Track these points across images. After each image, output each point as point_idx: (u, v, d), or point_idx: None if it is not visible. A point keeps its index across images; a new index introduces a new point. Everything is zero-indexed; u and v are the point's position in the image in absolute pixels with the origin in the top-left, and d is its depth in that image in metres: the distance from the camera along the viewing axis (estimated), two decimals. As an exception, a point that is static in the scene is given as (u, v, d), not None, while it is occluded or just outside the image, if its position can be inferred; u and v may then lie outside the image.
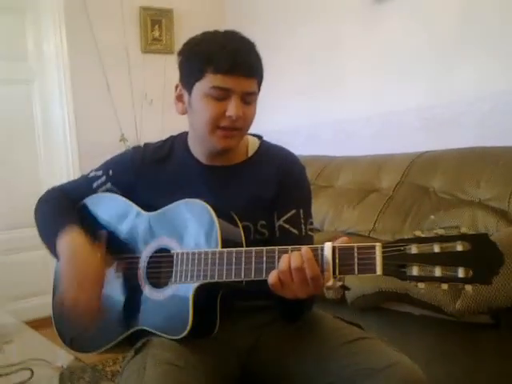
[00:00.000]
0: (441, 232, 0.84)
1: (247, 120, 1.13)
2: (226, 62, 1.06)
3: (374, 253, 0.89)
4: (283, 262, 0.95)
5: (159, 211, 1.16)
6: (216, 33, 1.13)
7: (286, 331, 1.15)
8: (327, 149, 2.98)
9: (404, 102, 2.72)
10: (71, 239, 1.13)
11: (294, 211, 1.16)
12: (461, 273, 0.82)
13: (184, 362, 0.99)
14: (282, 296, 0.98)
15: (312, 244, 1.13)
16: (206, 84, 1.09)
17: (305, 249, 0.95)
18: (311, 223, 1.19)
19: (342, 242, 0.95)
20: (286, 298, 0.98)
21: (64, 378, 1.43)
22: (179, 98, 1.18)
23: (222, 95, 1.09)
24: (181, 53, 1.15)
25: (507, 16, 2.31)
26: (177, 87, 1.18)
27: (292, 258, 0.94)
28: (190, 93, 1.13)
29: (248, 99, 1.11)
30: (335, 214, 2.54)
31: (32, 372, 1.36)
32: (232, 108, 1.08)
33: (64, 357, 1.48)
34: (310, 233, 1.18)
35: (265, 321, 1.18)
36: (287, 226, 1.16)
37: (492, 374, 1.56)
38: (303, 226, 1.16)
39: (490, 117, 2.36)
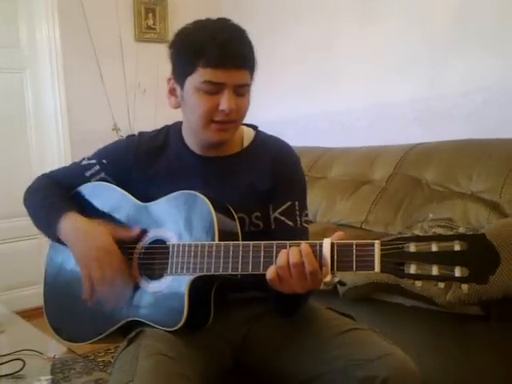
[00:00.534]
0: (439, 231, 0.85)
1: (241, 112, 1.12)
2: (215, 55, 1.04)
3: (373, 250, 0.89)
4: (281, 258, 0.95)
5: (155, 202, 1.15)
6: (206, 23, 1.11)
7: (278, 322, 1.15)
8: (321, 140, 2.98)
9: (398, 94, 2.72)
10: (75, 222, 1.14)
11: (289, 203, 1.16)
12: (458, 272, 0.83)
13: (177, 353, 0.99)
14: (279, 291, 0.98)
15: (307, 236, 1.15)
16: (197, 78, 1.08)
17: (304, 244, 0.95)
18: (306, 215, 1.19)
19: (337, 236, 0.95)
20: (283, 293, 0.98)
21: (55, 368, 1.42)
22: (172, 92, 1.17)
23: (214, 89, 1.07)
24: (171, 45, 1.14)
25: (502, 10, 2.31)
26: (169, 81, 1.17)
27: (291, 254, 0.94)
28: (182, 87, 1.12)
29: (241, 91, 1.10)
30: (328, 205, 2.54)
31: (24, 363, 1.36)
32: (225, 102, 1.07)
33: (56, 347, 1.48)
34: (304, 225, 1.18)
35: (258, 312, 1.18)
36: (283, 218, 1.16)
37: (482, 364, 1.58)
38: (298, 218, 1.16)
39: (483, 109, 2.36)
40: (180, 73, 1.12)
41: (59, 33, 3.14)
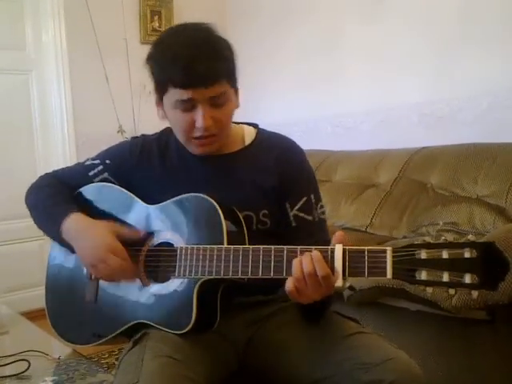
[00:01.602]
0: (450, 239, 0.86)
1: (221, 124, 1.11)
2: (179, 77, 1.04)
3: (385, 257, 0.90)
4: (296, 269, 0.95)
5: (162, 204, 1.15)
6: (173, 37, 1.10)
7: (283, 325, 1.15)
8: (325, 143, 2.98)
9: (403, 97, 2.72)
10: (78, 222, 1.14)
11: (305, 198, 1.17)
12: (468, 279, 0.85)
13: (182, 355, 0.99)
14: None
15: (325, 227, 1.19)
16: (170, 97, 1.09)
17: (314, 251, 0.95)
18: (322, 206, 1.20)
19: (339, 237, 0.96)
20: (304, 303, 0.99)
21: (59, 369, 1.42)
22: (158, 104, 1.17)
23: (187, 106, 1.07)
24: (146, 62, 1.14)
25: (507, 13, 2.30)
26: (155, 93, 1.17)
27: (304, 263, 0.94)
28: (162, 103, 1.14)
29: (217, 101, 1.08)
30: (333, 208, 2.53)
31: (29, 363, 1.36)
32: (199, 119, 1.07)
33: (61, 348, 1.47)
34: (321, 216, 1.19)
35: (263, 315, 1.18)
36: (302, 214, 1.17)
37: (487, 368, 1.57)
38: (315, 212, 1.18)
39: (488, 113, 2.36)
40: (157, 90, 1.13)
41: (65, 35, 3.16)
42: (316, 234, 1.15)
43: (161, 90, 1.11)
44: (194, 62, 1.03)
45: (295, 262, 0.96)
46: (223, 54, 1.09)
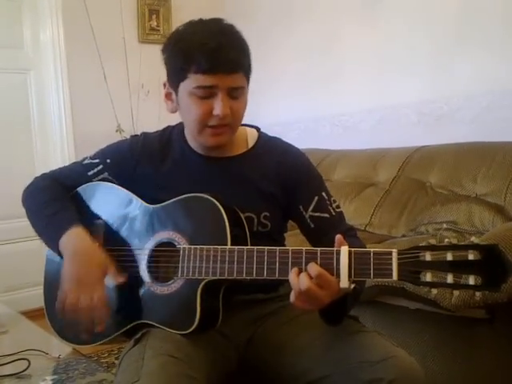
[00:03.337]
0: (454, 241, 0.88)
1: (236, 115, 1.12)
2: (205, 61, 1.04)
3: (391, 259, 0.90)
4: (295, 287, 0.94)
5: (164, 204, 1.14)
6: (197, 27, 1.10)
7: (283, 324, 1.15)
8: (324, 142, 2.98)
9: (402, 96, 2.72)
10: (77, 238, 1.11)
11: (317, 198, 1.18)
12: (472, 280, 0.86)
13: (183, 354, 0.99)
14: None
15: (344, 219, 1.20)
16: (189, 84, 1.08)
17: (310, 266, 0.94)
18: (334, 201, 1.21)
19: (338, 240, 0.95)
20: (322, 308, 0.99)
21: (59, 368, 1.42)
22: (168, 97, 1.17)
23: (206, 93, 1.07)
24: (164, 50, 1.14)
25: (507, 13, 2.31)
26: (165, 85, 1.17)
27: (301, 282, 0.93)
28: (176, 92, 1.13)
29: (235, 94, 1.09)
30: (332, 207, 2.53)
31: (29, 362, 1.36)
32: (218, 106, 1.07)
33: (61, 347, 1.47)
34: (338, 210, 1.20)
35: (262, 314, 1.18)
36: (317, 213, 1.17)
37: (487, 367, 1.57)
38: (330, 207, 1.18)
39: (487, 112, 2.36)
40: (173, 79, 1.12)
41: (63, 34, 3.16)
42: (338, 226, 1.15)
43: (178, 77, 1.10)
44: (221, 48, 1.04)
45: (291, 278, 0.95)
46: (246, 48, 1.11)
